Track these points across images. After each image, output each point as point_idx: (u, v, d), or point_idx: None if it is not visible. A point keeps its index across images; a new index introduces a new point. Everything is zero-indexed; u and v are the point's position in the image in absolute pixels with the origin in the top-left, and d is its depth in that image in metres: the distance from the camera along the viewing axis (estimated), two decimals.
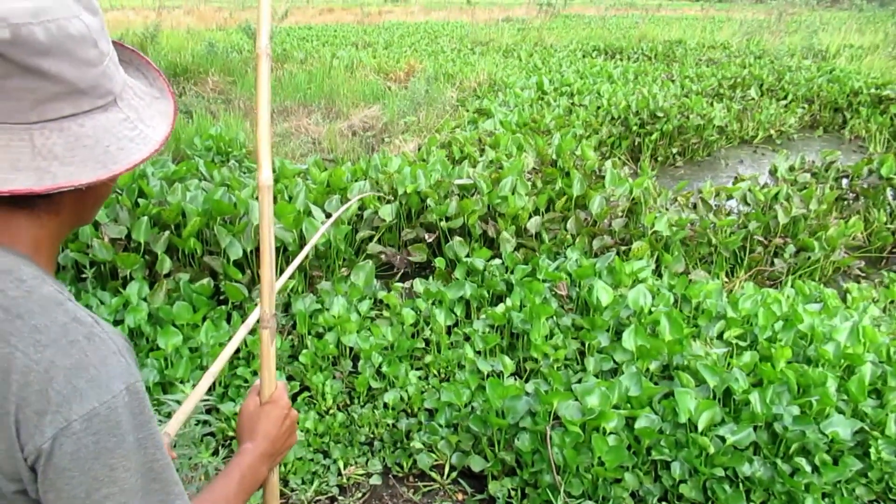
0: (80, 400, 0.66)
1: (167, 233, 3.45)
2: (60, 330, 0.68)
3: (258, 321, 1.01)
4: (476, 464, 2.54)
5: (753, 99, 9.04)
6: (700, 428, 2.38)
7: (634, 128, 6.95)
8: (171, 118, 0.81)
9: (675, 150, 7.11)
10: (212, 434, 2.64)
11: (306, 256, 3.65)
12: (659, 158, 6.99)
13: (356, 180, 4.39)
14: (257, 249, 3.63)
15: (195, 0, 21.82)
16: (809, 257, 4.17)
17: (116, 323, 2.96)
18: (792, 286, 3.79)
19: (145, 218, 3.42)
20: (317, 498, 2.45)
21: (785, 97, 9.35)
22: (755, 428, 2.41)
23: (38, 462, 0.66)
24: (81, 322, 0.69)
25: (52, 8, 0.66)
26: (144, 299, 3.09)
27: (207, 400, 2.17)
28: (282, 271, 3.64)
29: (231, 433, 2.64)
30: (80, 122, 0.70)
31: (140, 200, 3.66)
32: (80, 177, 0.68)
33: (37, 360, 0.65)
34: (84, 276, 3.21)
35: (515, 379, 2.92)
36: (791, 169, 5.68)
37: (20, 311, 0.67)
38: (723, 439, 2.36)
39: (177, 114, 0.84)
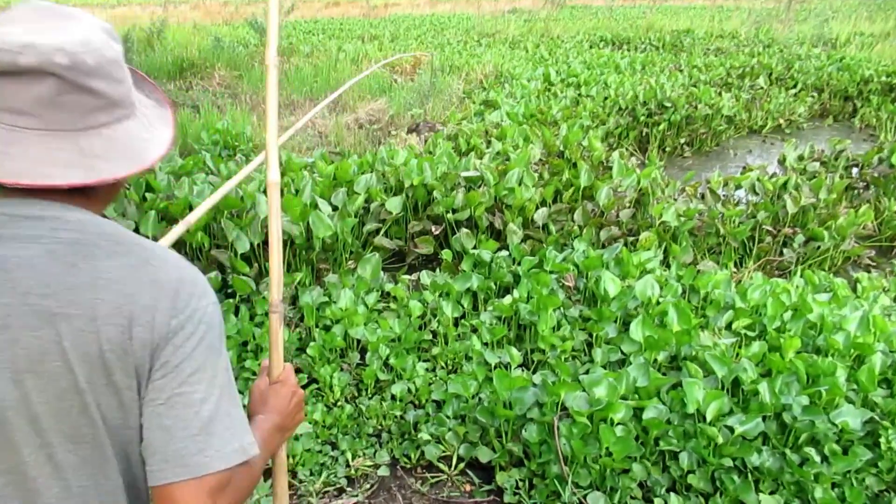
0: (199, 298, 0.88)
1: (175, 227, 3.46)
2: (172, 255, 0.90)
3: (269, 305, 1.14)
4: (483, 455, 2.54)
5: (762, 88, 8.97)
6: (708, 418, 2.37)
7: (642, 118, 6.92)
8: (171, 122, 0.98)
9: (683, 141, 7.07)
10: None
11: (312, 248, 3.66)
12: (667, 149, 6.96)
13: (362, 173, 4.39)
14: (265, 243, 3.64)
15: None
16: (819, 247, 4.14)
17: None
18: (801, 276, 3.76)
19: (153, 212, 3.43)
20: (325, 489, 2.46)
21: (794, 86, 9.28)
22: (764, 418, 2.40)
23: (161, 344, 0.84)
24: (171, 251, 0.92)
25: (94, 39, 0.83)
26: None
27: None
28: (289, 266, 3.66)
29: None
30: (114, 128, 0.87)
31: (147, 195, 3.68)
32: (117, 171, 0.86)
33: (174, 271, 0.87)
34: None
35: (523, 370, 2.92)
36: (800, 158, 5.63)
37: (145, 245, 0.88)
38: (731, 430, 2.35)
39: (176, 119, 1.00)
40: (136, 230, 3.43)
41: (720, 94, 8.19)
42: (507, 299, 3.25)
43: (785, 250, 4.18)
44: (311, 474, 2.50)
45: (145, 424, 0.85)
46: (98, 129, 0.85)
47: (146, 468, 0.85)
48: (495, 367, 2.82)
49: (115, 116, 0.87)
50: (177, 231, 1.46)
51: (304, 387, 2.89)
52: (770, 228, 4.24)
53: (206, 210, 1.56)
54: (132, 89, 0.92)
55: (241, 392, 2.78)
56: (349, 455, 2.59)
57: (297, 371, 2.96)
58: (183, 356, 0.85)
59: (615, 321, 3.06)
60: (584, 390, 2.45)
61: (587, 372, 2.67)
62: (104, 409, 0.83)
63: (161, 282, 0.85)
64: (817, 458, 2.26)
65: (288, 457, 2.52)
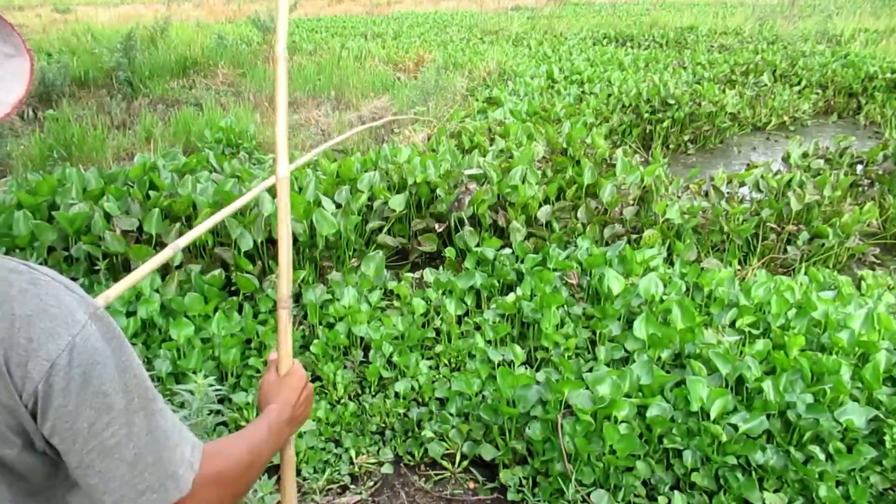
0: (54, 339, 0.67)
1: (178, 224, 3.47)
2: (5, 284, 0.68)
3: (278, 300, 1.11)
4: (487, 452, 2.54)
5: (766, 85, 8.93)
6: (712, 416, 2.37)
7: (645, 115, 6.90)
8: (27, 77, 0.75)
9: (686, 138, 7.05)
10: (224, 424, 2.66)
11: (316, 246, 3.66)
12: (670, 146, 6.94)
13: (366, 171, 4.39)
14: (268, 240, 3.65)
15: None
16: (823, 244, 4.12)
17: (129, 314, 2.98)
18: (805, 273, 3.75)
19: (157, 210, 3.44)
20: (329, 486, 2.46)
21: (798, 83, 9.24)
22: (768, 416, 2.40)
23: (38, 407, 0.68)
24: (19, 272, 0.70)
25: None
26: (157, 291, 3.10)
27: (220, 390, 2.18)
28: (297, 264, 3.66)
29: (243, 423, 2.66)
30: None
31: (151, 193, 3.69)
32: None
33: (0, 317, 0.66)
34: (97, 268, 3.24)
35: (526, 368, 2.92)
36: (804, 155, 5.61)
37: None
38: (735, 427, 2.35)
39: (34, 72, 0.77)
40: (140, 228, 3.44)
41: (724, 91, 8.16)
42: (511, 297, 3.24)
43: (789, 248, 4.16)
44: (315, 472, 2.50)
45: (79, 479, 0.72)
46: None
47: None
48: (499, 365, 2.82)
49: None
50: (164, 255, 1.42)
51: None
52: (774, 226, 4.23)
53: (199, 234, 1.51)
54: None
55: (245, 389, 2.79)
56: (353, 452, 2.60)
57: None
58: (71, 417, 0.68)
59: (619, 319, 3.05)
60: (587, 388, 2.44)
61: (591, 370, 2.67)
62: None
63: None
64: (822, 456, 2.26)
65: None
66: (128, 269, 3.36)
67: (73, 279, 3.24)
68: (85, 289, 3.11)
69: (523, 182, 4.24)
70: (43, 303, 0.69)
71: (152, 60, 8.95)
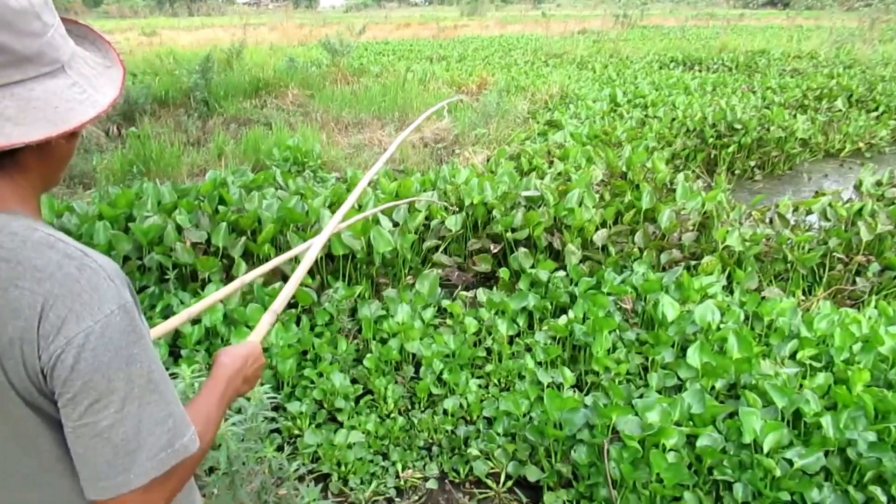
0: (76, 320, 0.77)
1: (244, 238, 3.63)
2: (55, 266, 0.78)
3: (272, 312, 1.36)
4: (532, 474, 2.54)
5: (840, 110, 8.63)
6: (766, 449, 2.30)
7: (711, 140, 6.77)
8: (120, 84, 0.90)
9: (753, 164, 6.88)
10: (277, 431, 2.75)
11: (372, 263, 3.75)
12: (736, 172, 6.78)
13: (424, 190, 4.48)
14: (327, 256, 3.76)
15: (279, 17, 22.70)
16: (895, 277, 3.94)
17: (194, 323, 3.13)
18: (875, 307, 3.59)
19: (224, 224, 3.61)
20: (374, 498, 2.51)
21: (876, 108, 8.89)
22: (826, 453, 2.31)
23: (49, 377, 0.78)
24: (72, 257, 0.80)
25: None
26: (221, 301, 3.24)
27: (275, 398, 2.28)
28: (350, 279, 3.77)
29: (297, 431, 2.75)
30: (30, 87, 0.79)
31: (220, 207, 3.87)
32: (31, 135, 0.77)
33: (40, 293, 0.77)
34: (167, 277, 3.42)
35: (575, 391, 2.91)
36: (878, 184, 5.38)
37: (19, 258, 0.78)
38: (790, 462, 2.27)
39: (124, 79, 0.92)
40: (209, 241, 3.61)
41: (795, 116, 7.92)
42: (563, 319, 3.24)
43: (858, 279, 4.00)
44: (362, 483, 2.55)
45: (67, 440, 0.82)
46: (9, 89, 0.77)
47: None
48: (548, 387, 2.82)
49: (29, 74, 0.78)
50: (233, 286, 1.61)
51: (359, 397, 2.96)
52: (842, 256, 4.07)
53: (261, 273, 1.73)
54: (62, 44, 0.83)
55: (299, 399, 2.87)
56: (399, 466, 2.64)
57: (353, 381, 3.04)
58: (74, 389, 0.77)
59: (672, 346, 3.00)
60: (636, 414, 2.42)
61: (641, 396, 2.64)
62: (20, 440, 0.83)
63: (23, 308, 0.76)
64: (883, 498, 2.16)
65: (339, 464, 2.59)
66: (195, 279, 3.53)
67: (145, 287, 3.42)
68: (155, 297, 3.30)
69: (580, 205, 4.24)
70: (80, 287, 0.78)
71: (227, 81, 9.39)
